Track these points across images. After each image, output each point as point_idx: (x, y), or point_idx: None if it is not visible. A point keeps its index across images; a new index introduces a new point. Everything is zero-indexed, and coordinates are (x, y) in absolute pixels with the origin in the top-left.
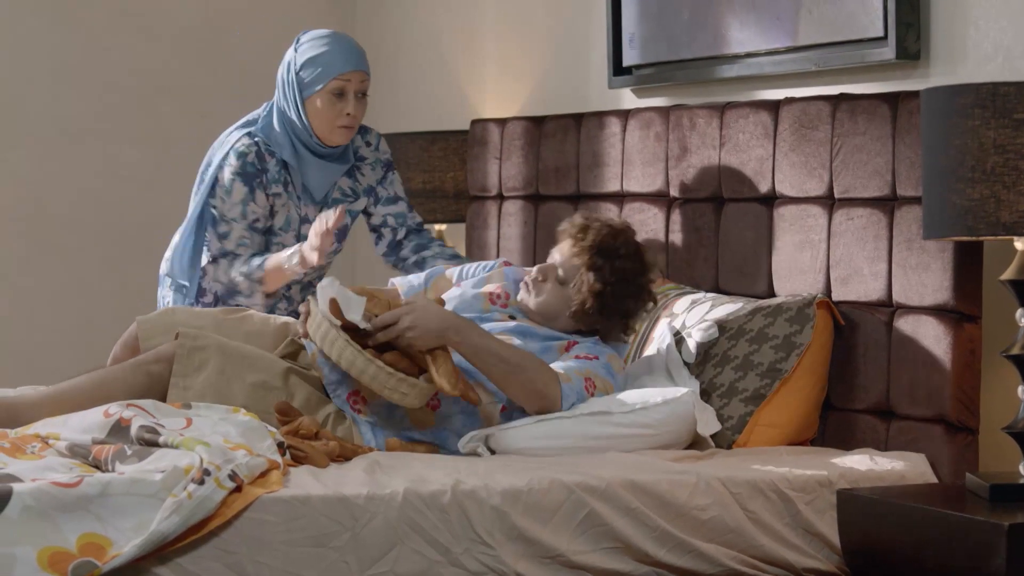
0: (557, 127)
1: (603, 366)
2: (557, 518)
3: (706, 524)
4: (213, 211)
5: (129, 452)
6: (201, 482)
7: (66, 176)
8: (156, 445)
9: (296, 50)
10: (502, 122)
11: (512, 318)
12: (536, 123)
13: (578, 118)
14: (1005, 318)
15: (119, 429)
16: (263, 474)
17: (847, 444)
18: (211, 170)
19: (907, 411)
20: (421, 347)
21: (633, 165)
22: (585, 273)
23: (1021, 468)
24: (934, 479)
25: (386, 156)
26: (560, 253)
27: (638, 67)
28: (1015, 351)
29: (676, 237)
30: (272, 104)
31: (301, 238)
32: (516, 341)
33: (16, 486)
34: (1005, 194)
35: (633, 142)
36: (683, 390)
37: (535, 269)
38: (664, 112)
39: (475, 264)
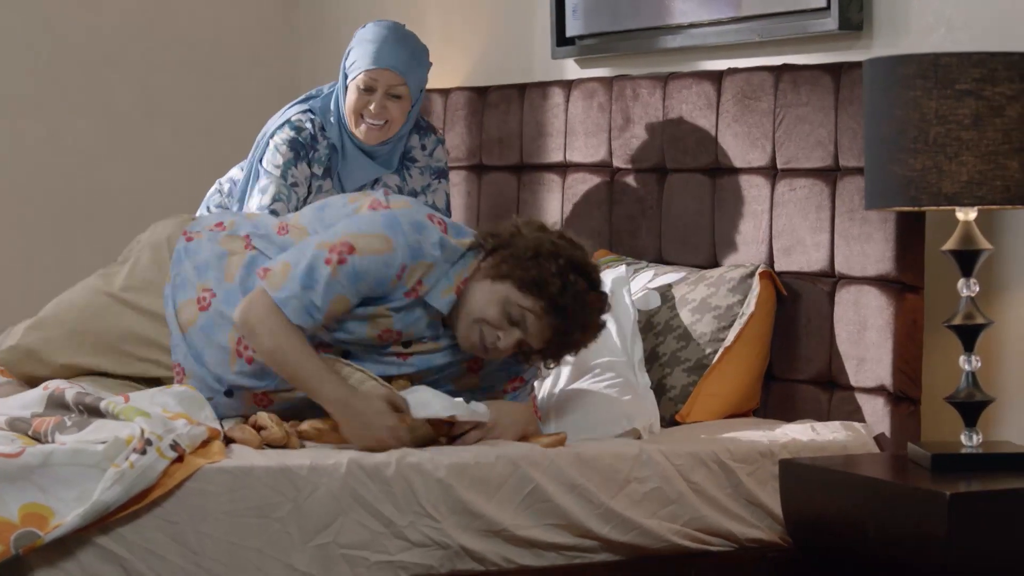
0: (500, 97)
1: None
2: (502, 492)
3: (647, 496)
4: (260, 168)
5: (69, 423)
6: (143, 452)
7: (9, 148)
8: (97, 411)
9: (355, 34)
10: (445, 92)
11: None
12: (479, 93)
13: (521, 88)
14: (947, 288)
15: (55, 399)
16: (204, 444)
17: (789, 414)
18: (264, 138)
19: (849, 381)
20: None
21: (576, 135)
22: (549, 361)
23: (963, 438)
24: (876, 449)
25: (438, 164)
26: (536, 337)
27: (581, 37)
28: (957, 321)
29: (619, 207)
30: (336, 85)
31: None
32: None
33: None
34: (947, 164)
35: (576, 112)
36: (633, 422)
37: (508, 347)
38: (607, 82)
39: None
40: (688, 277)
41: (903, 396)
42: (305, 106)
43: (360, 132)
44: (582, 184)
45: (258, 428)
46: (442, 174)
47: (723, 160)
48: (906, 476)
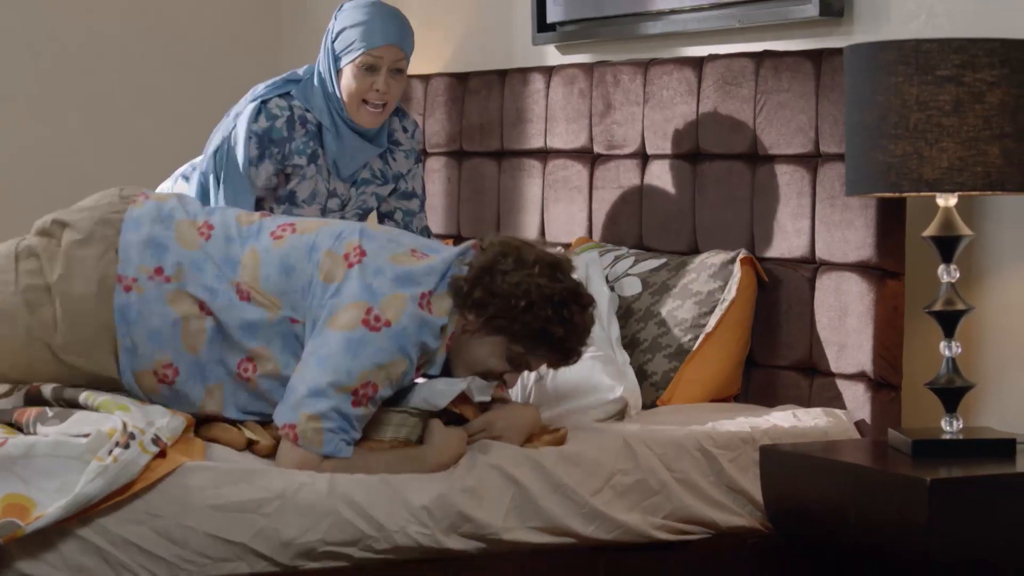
0: (481, 83)
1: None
2: (489, 496)
3: (631, 488)
4: (230, 155)
5: (51, 414)
6: (126, 446)
7: (3, 142)
8: (76, 404)
9: (336, 16)
10: (426, 78)
11: None
12: (460, 79)
13: (502, 74)
14: (928, 275)
15: (31, 396)
16: (185, 440)
17: (770, 401)
18: (236, 122)
19: (830, 368)
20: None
21: (557, 121)
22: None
23: (943, 424)
24: (857, 435)
25: (419, 147)
26: (538, 366)
27: (562, 23)
28: (937, 307)
29: (599, 194)
30: (315, 67)
31: (327, 212)
32: None
33: None
34: (928, 151)
35: (557, 99)
36: (616, 391)
37: (514, 382)
38: (588, 69)
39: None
40: (669, 263)
41: (883, 382)
42: (283, 90)
43: (361, 117)
44: (563, 170)
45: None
46: (419, 158)
47: (704, 146)
48: (886, 462)
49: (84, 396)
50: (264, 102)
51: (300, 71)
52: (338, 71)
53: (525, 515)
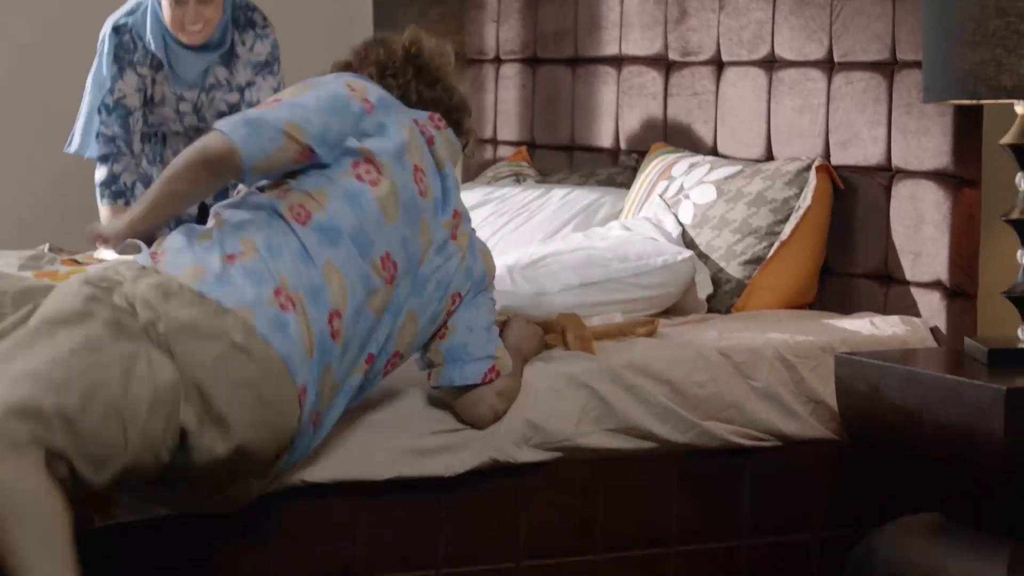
0: None
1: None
2: (561, 402)
3: (706, 400)
4: (88, 84)
5: None
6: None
7: None
8: None
9: None
10: None
11: None
12: None
13: None
14: (1004, 182)
15: None
16: None
17: (845, 308)
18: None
19: (905, 276)
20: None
21: (632, 28)
22: None
23: (1020, 332)
24: (934, 344)
25: (259, 58)
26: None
27: None
28: (1015, 215)
29: (675, 101)
30: None
31: (180, 114)
32: None
33: None
34: (1006, 57)
35: (632, 5)
36: (685, 253)
37: None
38: None
39: None
40: (744, 170)
41: (959, 291)
42: (124, 16)
43: (184, 39)
44: (638, 77)
45: None
46: (264, 68)
47: (779, 53)
48: (963, 371)
49: None
50: (115, 27)
51: (134, 2)
52: (159, 3)
53: (599, 418)
